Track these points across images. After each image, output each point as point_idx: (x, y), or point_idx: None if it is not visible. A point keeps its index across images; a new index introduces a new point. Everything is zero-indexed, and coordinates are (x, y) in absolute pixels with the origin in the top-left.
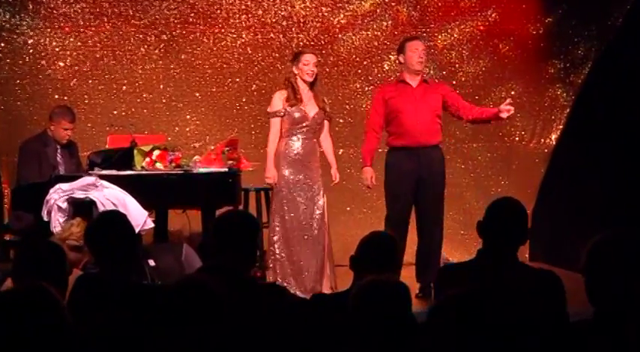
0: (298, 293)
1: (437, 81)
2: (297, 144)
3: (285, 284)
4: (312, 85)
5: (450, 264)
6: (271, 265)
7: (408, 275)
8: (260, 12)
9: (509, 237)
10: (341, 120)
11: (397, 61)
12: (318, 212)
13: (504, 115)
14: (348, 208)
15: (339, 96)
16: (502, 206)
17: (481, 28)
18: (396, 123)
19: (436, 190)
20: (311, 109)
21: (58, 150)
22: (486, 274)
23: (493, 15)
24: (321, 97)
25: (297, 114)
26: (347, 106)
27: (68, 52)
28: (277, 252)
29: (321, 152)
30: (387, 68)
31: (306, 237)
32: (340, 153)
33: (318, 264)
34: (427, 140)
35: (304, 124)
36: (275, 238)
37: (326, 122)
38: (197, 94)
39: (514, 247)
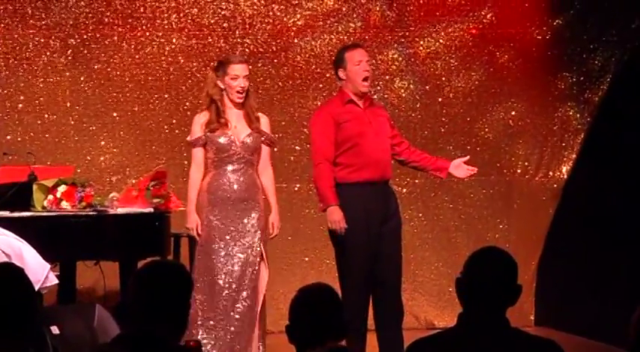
0: None
1: (376, 100)
2: (225, 178)
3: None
4: (246, 99)
5: (421, 339)
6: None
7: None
8: (195, 10)
9: (495, 297)
10: (297, 147)
11: (336, 77)
12: (250, 268)
13: (459, 174)
14: (307, 259)
15: (295, 117)
16: (484, 258)
17: (473, 31)
18: (353, 153)
19: (398, 235)
20: (241, 132)
21: None
22: (469, 346)
23: (488, 16)
24: (254, 115)
25: (221, 140)
26: (305, 129)
27: None
28: (200, 314)
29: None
30: None
31: (240, 296)
32: (296, 188)
33: (247, 331)
34: (388, 173)
35: (231, 152)
36: (198, 298)
37: (265, 148)
38: (114, 114)
39: (500, 309)
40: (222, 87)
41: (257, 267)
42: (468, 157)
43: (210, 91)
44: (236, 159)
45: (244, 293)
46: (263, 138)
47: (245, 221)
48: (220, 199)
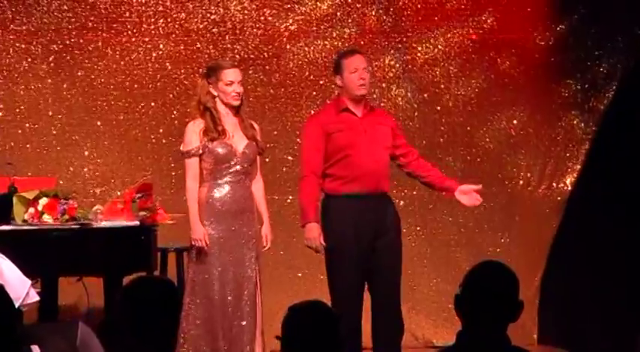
0: None
1: (381, 108)
2: (223, 190)
3: None
4: (237, 109)
5: None
6: (185, 346)
7: None
8: (183, 15)
9: (495, 314)
10: (289, 158)
11: (334, 84)
12: (248, 283)
13: (465, 201)
14: (300, 274)
15: (288, 126)
16: (483, 273)
17: (474, 37)
18: (344, 164)
19: (396, 251)
20: (239, 142)
21: None
22: None
23: (489, 20)
24: (249, 122)
25: (221, 151)
26: (298, 139)
27: None
28: (192, 330)
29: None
30: None
31: (239, 312)
32: (289, 201)
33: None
34: (383, 185)
35: (232, 163)
36: (192, 313)
37: (257, 157)
38: (98, 123)
39: (501, 327)
40: (215, 94)
41: (255, 282)
42: (479, 186)
43: (203, 99)
44: (234, 171)
45: (243, 310)
46: (259, 147)
47: (243, 234)
48: (217, 212)
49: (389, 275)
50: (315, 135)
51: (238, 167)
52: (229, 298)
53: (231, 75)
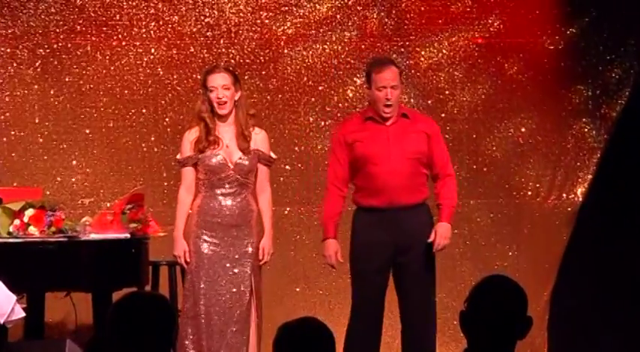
0: None
1: (421, 113)
2: (216, 201)
3: None
4: (235, 116)
5: None
6: None
7: None
8: (175, 18)
9: (502, 331)
10: (287, 167)
11: (364, 87)
12: (245, 297)
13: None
14: (298, 289)
15: (285, 134)
16: (490, 288)
17: (479, 41)
18: (363, 175)
19: (422, 270)
20: (234, 152)
21: None
22: None
23: (496, 24)
24: (247, 132)
25: (213, 161)
26: (296, 148)
27: None
28: (191, 348)
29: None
30: (350, 95)
31: (229, 330)
32: (286, 212)
33: None
34: (407, 199)
35: (223, 175)
36: (188, 330)
37: (262, 168)
38: (87, 131)
39: (509, 344)
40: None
41: (248, 299)
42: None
43: (198, 107)
44: (228, 182)
45: (233, 328)
46: (260, 158)
47: (237, 249)
48: (210, 224)
49: (414, 298)
50: (336, 146)
51: (233, 178)
52: (215, 317)
53: (212, 80)
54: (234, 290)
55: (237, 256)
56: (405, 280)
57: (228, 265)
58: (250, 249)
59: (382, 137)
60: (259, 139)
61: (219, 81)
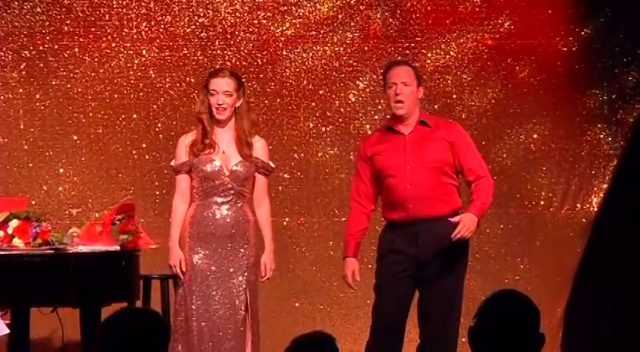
0: None
1: (445, 119)
2: (210, 211)
3: None
4: (236, 121)
5: None
6: None
7: None
8: (168, 18)
9: (513, 349)
10: (286, 175)
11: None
12: (240, 313)
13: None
14: (297, 304)
15: (284, 141)
16: (500, 303)
17: (489, 42)
18: (385, 189)
19: (444, 286)
20: (231, 158)
21: None
22: None
23: (506, 24)
24: (247, 139)
25: (207, 168)
26: (295, 155)
27: None
28: None
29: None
30: (352, 99)
31: (222, 347)
32: (285, 223)
33: None
34: (430, 210)
35: (218, 182)
36: (179, 348)
37: (260, 177)
38: (75, 137)
39: None
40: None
41: (243, 315)
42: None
43: (196, 109)
44: (223, 190)
45: (227, 345)
46: (258, 167)
47: (231, 261)
48: (204, 236)
49: (434, 320)
50: (358, 160)
51: (228, 186)
52: (208, 334)
53: (215, 84)
54: (229, 305)
55: (232, 269)
56: (427, 297)
57: (222, 279)
58: (246, 262)
59: (399, 148)
60: (258, 147)
61: (222, 86)
